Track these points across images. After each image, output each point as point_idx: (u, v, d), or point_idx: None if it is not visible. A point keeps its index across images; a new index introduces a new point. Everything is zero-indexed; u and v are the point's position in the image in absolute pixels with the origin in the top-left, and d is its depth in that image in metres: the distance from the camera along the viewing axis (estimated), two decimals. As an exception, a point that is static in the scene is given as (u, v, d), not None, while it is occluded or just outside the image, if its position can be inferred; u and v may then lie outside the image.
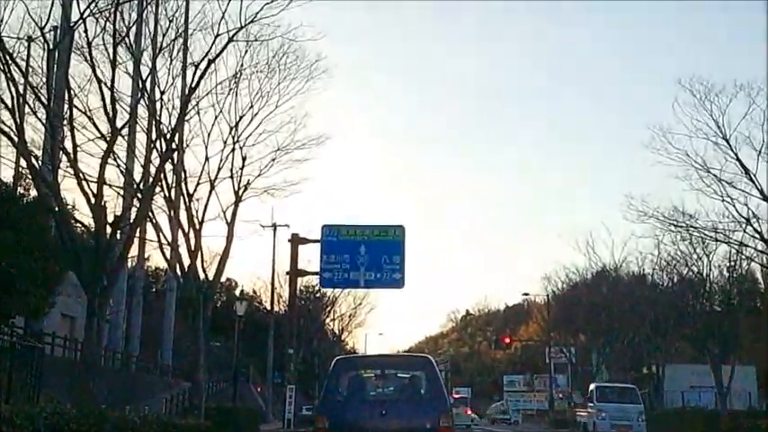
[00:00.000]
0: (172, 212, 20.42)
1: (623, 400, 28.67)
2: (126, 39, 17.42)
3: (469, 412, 51.77)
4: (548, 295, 52.31)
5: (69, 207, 17.80)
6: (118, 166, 18.01)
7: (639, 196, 28.22)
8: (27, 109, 16.02)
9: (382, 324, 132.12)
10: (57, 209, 15.55)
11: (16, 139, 15.12)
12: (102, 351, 20.14)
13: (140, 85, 18.41)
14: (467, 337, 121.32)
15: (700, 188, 25.95)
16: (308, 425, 30.82)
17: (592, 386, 31.26)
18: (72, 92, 15.88)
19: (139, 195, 17.73)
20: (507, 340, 60.62)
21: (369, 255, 29.86)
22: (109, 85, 16.25)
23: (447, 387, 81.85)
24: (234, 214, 21.63)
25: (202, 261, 21.03)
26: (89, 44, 15.96)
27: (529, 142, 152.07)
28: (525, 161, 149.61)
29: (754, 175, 24.74)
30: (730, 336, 33.33)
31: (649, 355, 38.66)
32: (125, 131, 18.00)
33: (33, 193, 18.12)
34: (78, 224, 17.24)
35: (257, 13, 17.64)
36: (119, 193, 18.21)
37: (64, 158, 15.74)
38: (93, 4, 15.78)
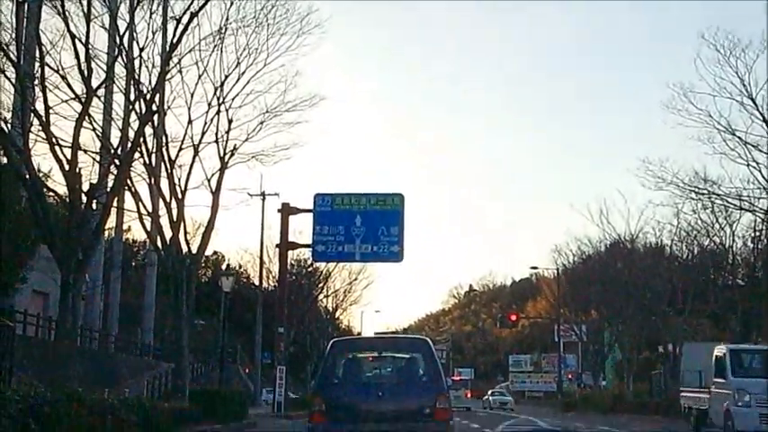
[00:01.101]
0: (152, 180, 20.36)
1: None
2: (101, -10, 17.25)
3: (470, 395, 52.16)
4: (558, 269, 52.46)
5: (42, 174, 17.73)
6: (93, 129, 17.91)
7: (658, 161, 28.17)
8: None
9: (379, 301, 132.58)
10: (28, 176, 15.48)
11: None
12: (77, 330, 20.16)
13: (117, 42, 18.25)
14: (470, 314, 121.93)
15: (723, 152, 25.96)
16: (298, 408, 31.05)
17: (719, 350, 19.43)
18: (44, 49, 15.75)
19: (117, 162, 17.65)
20: (513, 318, 60.74)
21: (365, 226, 29.81)
22: (83, 41, 16.12)
23: (448, 368, 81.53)
24: (219, 182, 21.59)
25: (185, 233, 21.06)
26: (61, -4, 15.81)
27: (539, 105, 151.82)
28: (534, 126, 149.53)
29: (783, 138, 24.76)
30: (753, 312, 33.44)
31: (666, 332, 38.82)
32: (101, 92, 17.90)
33: (3, 159, 18.08)
34: (51, 193, 17.19)
35: (243, -38, 17.51)
36: (95, 159, 18.14)
37: (35, 121, 15.65)
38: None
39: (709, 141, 25.96)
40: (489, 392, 61.76)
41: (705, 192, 28.19)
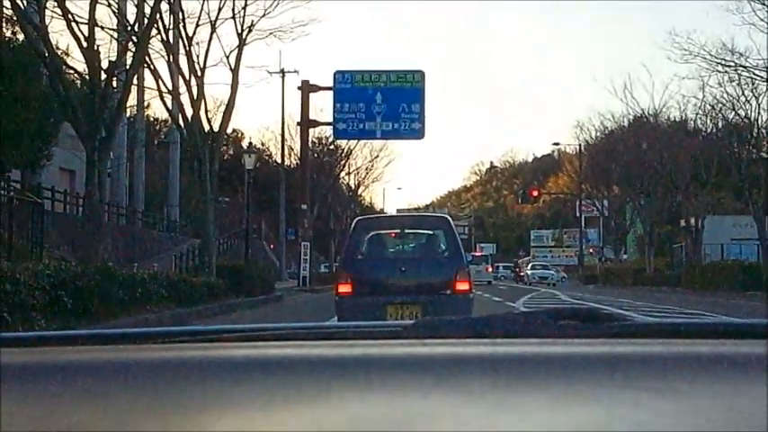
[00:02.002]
0: (171, 58, 20.20)
1: None
2: None
3: (490, 270, 52.69)
4: (580, 145, 52.25)
5: (60, 52, 17.64)
6: (109, 5, 17.67)
7: (684, 33, 27.68)
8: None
9: (401, 178, 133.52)
10: (46, 54, 15.41)
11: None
12: (104, 206, 20.50)
13: None
14: (492, 191, 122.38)
15: (752, 22, 25.41)
16: (323, 283, 31.76)
17: None
18: None
19: (135, 39, 17.49)
20: (535, 193, 60.75)
21: (386, 103, 29.70)
22: None
23: (470, 243, 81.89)
24: (238, 59, 21.40)
25: (206, 111, 21.02)
26: None
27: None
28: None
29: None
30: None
31: (688, 206, 38.86)
32: (115, -34, 17.55)
33: (21, 37, 17.94)
34: (71, 71, 17.15)
35: None
36: (112, 37, 17.98)
37: (50, -3, 15.44)
38: None
39: (738, 11, 25.41)
40: (529, 265, 57.70)
41: (732, 64, 27.77)
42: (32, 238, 13.20)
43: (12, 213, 12.53)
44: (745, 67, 27.60)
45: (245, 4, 21.19)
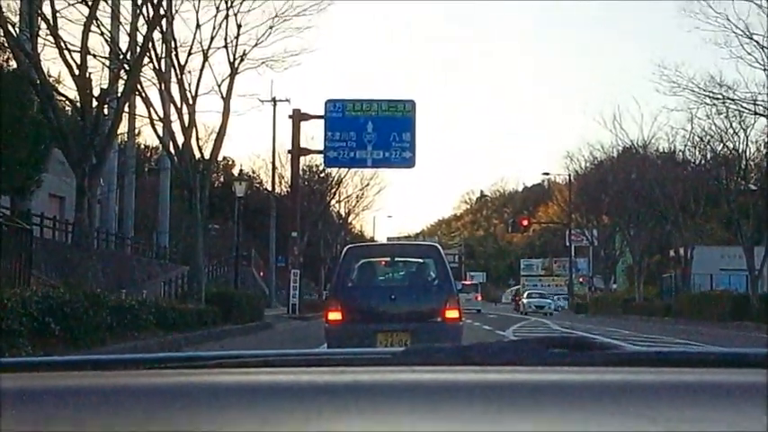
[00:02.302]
0: (162, 86, 20.23)
1: None
2: None
3: (480, 298, 52.52)
4: (570, 175, 52.53)
5: (52, 79, 17.66)
6: (102, 34, 17.71)
7: (673, 65, 27.96)
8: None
9: (391, 206, 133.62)
10: (38, 81, 15.42)
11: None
12: (94, 232, 20.43)
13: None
14: (482, 219, 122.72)
15: (740, 56, 25.69)
16: (313, 310, 31.62)
17: None
18: (48, -50, 15.45)
19: (127, 67, 17.53)
20: (525, 222, 60.92)
21: (376, 132, 29.77)
22: (88, -59, 15.79)
23: (460, 272, 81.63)
24: (230, 87, 21.44)
25: (197, 138, 21.02)
26: None
27: (553, 9, 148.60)
28: (548, 30, 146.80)
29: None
30: (766, 216, 33.45)
31: (677, 236, 38.98)
32: (108, -5, 17.64)
33: (13, 64, 17.96)
34: (62, 98, 17.16)
35: None
36: (104, 64, 18.01)
37: (43, 26, 15.49)
38: None
39: (726, 45, 25.69)
40: (525, 294, 55.94)
41: (720, 96, 28.01)
42: (20, 264, 13.13)
43: (0, 239, 12.47)
44: (733, 99, 27.89)
45: (238, 34, 21.29)
